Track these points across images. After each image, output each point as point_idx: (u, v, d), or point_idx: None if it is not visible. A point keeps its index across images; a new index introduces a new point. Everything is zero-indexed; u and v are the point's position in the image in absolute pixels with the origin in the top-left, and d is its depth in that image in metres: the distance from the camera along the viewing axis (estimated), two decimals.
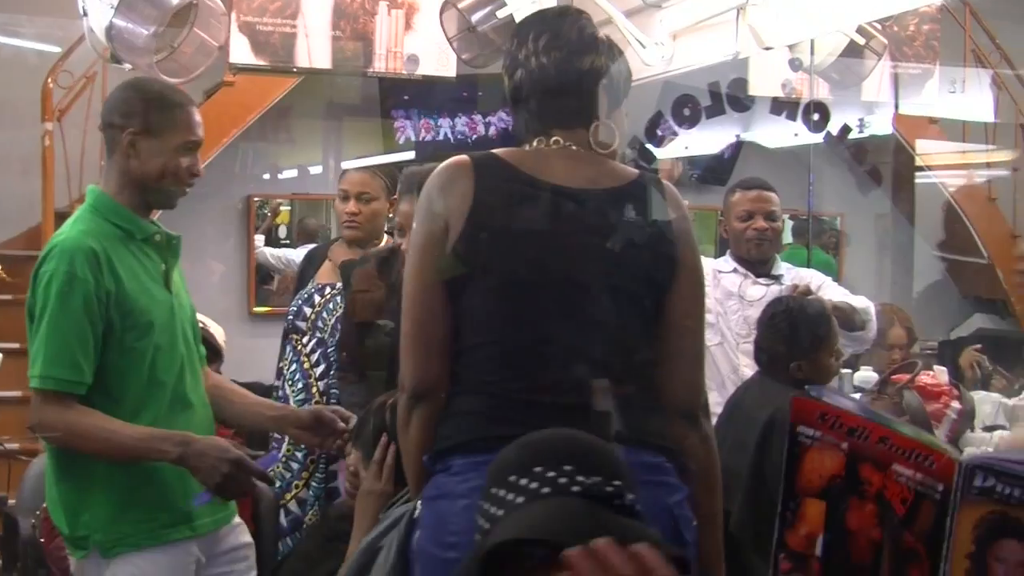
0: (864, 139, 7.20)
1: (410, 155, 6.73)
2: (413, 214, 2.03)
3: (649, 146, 7.14)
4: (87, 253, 2.35)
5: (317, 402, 3.48)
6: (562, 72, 1.97)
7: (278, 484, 3.51)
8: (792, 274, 3.70)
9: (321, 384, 3.53)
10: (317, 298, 3.60)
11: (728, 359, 3.57)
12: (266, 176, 7.16)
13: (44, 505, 2.62)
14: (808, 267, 4.09)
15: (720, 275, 3.66)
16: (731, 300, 3.63)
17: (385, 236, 3.62)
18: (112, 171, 2.49)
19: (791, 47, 3.55)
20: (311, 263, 3.80)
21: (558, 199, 1.92)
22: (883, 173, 7.54)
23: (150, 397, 2.41)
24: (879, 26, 3.69)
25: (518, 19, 3.03)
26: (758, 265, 3.67)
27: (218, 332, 3.77)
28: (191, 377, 2.52)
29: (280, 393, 3.61)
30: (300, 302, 3.64)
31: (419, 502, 1.91)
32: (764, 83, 5.82)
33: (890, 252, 7.81)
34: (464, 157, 1.97)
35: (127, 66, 3.38)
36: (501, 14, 3.32)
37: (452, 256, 1.90)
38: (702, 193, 7.21)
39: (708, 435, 2.00)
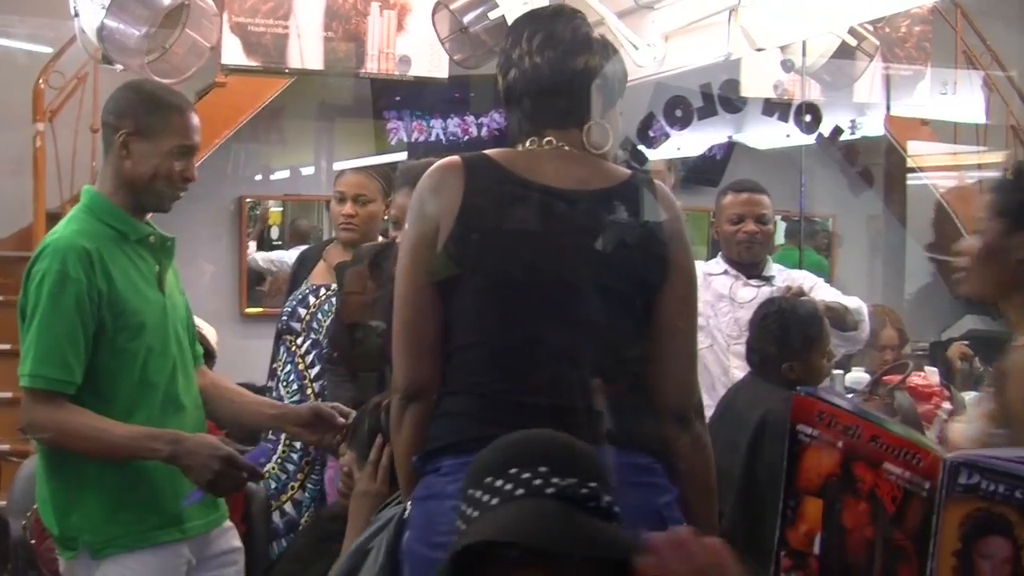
0: (856, 140, 7.21)
1: (402, 156, 6.74)
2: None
3: (641, 147, 7.14)
4: (79, 253, 2.34)
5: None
6: (555, 72, 1.97)
7: (273, 486, 3.51)
8: (783, 275, 3.71)
9: (316, 385, 3.53)
10: (312, 299, 3.60)
11: (718, 361, 3.58)
12: (258, 177, 7.15)
13: (35, 506, 2.61)
14: (800, 268, 4.10)
15: (710, 277, 3.66)
16: (722, 302, 3.63)
17: (379, 238, 3.62)
18: (107, 171, 2.50)
19: (783, 48, 3.56)
20: (304, 264, 3.80)
21: (548, 200, 1.92)
22: (875, 174, 7.55)
23: (142, 398, 2.41)
24: (871, 28, 3.70)
25: (510, 20, 3.03)
26: (749, 267, 3.67)
27: (210, 333, 3.76)
28: (183, 379, 2.51)
29: (275, 394, 3.60)
30: (294, 303, 3.63)
31: (409, 503, 1.91)
32: (756, 84, 5.83)
33: (882, 253, 7.82)
34: (455, 158, 1.97)
35: (118, 67, 3.37)
36: (493, 15, 3.32)
37: (443, 257, 1.90)
38: (694, 194, 7.21)
39: (701, 436, 1.98)
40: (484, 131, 7.02)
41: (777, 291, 3.52)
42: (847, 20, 3.36)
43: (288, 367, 3.60)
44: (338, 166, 6.74)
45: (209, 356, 3.63)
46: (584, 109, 1.99)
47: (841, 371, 4.03)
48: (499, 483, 1.44)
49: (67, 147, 5.74)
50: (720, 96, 6.93)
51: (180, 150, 2.46)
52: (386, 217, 3.46)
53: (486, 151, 1.99)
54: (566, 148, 1.98)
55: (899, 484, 1.29)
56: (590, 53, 1.99)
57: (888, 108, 6.05)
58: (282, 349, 3.65)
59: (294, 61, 4.59)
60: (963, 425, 2.18)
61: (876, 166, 7.45)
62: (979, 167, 7.30)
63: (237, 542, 2.64)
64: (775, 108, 6.66)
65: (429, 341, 1.92)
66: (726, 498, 2.73)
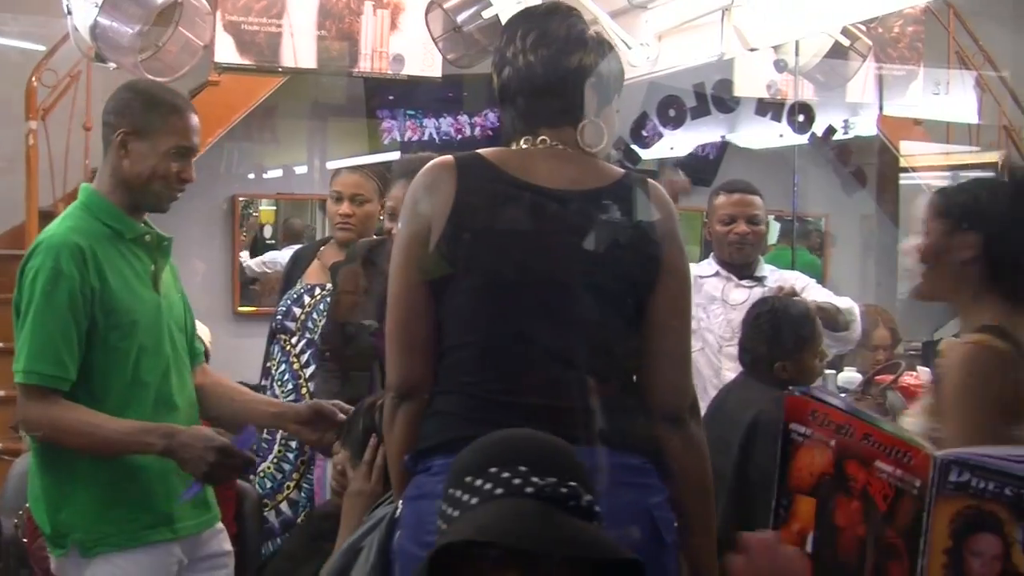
0: (849, 140, 7.23)
1: (395, 155, 6.73)
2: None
3: (634, 147, 7.16)
4: (72, 249, 2.34)
5: None
6: (549, 70, 1.95)
7: (269, 485, 3.51)
8: (775, 276, 3.71)
9: (311, 384, 3.52)
10: (307, 298, 3.59)
11: (710, 364, 3.57)
12: (251, 176, 7.15)
13: (27, 505, 2.61)
14: (793, 268, 4.10)
15: (702, 280, 3.65)
16: (714, 304, 3.63)
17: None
18: (105, 170, 2.50)
19: (776, 48, 3.56)
20: (297, 264, 3.79)
21: (540, 200, 1.91)
22: (868, 174, 7.57)
23: (133, 397, 2.40)
24: (864, 28, 3.70)
25: (504, 19, 3.03)
26: (741, 268, 3.67)
27: (204, 332, 3.75)
28: (177, 379, 2.51)
29: (269, 393, 3.60)
30: (289, 302, 3.63)
31: (401, 502, 1.91)
32: (749, 84, 5.85)
33: (874, 253, 7.83)
34: (448, 157, 1.97)
35: (112, 65, 3.37)
36: (487, 14, 3.32)
37: (435, 256, 1.89)
38: (687, 194, 7.22)
39: (695, 437, 1.97)
40: (477, 130, 7.02)
41: (769, 292, 3.52)
42: (840, 20, 3.36)
43: (283, 366, 3.60)
44: (331, 165, 6.74)
45: (203, 355, 3.63)
46: (579, 108, 1.97)
47: (833, 371, 4.03)
48: (479, 482, 1.44)
49: (60, 145, 5.73)
50: (713, 96, 6.95)
51: (178, 151, 2.46)
52: (381, 217, 3.46)
53: (479, 150, 1.99)
54: (560, 147, 1.97)
55: (891, 482, 1.30)
56: (585, 51, 1.97)
57: (881, 108, 6.07)
58: (276, 348, 3.64)
59: (287, 60, 4.60)
60: (911, 420, 2.21)
61: (869, 166, 7.47)
62: (972, 167, 7.32)
63: (228, 545, 2.64)
64: (768, 108, 6.68)
65: (422, 340, 1.92)
66: (718, 498, 2.74)
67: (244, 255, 6.86)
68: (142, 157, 2.44)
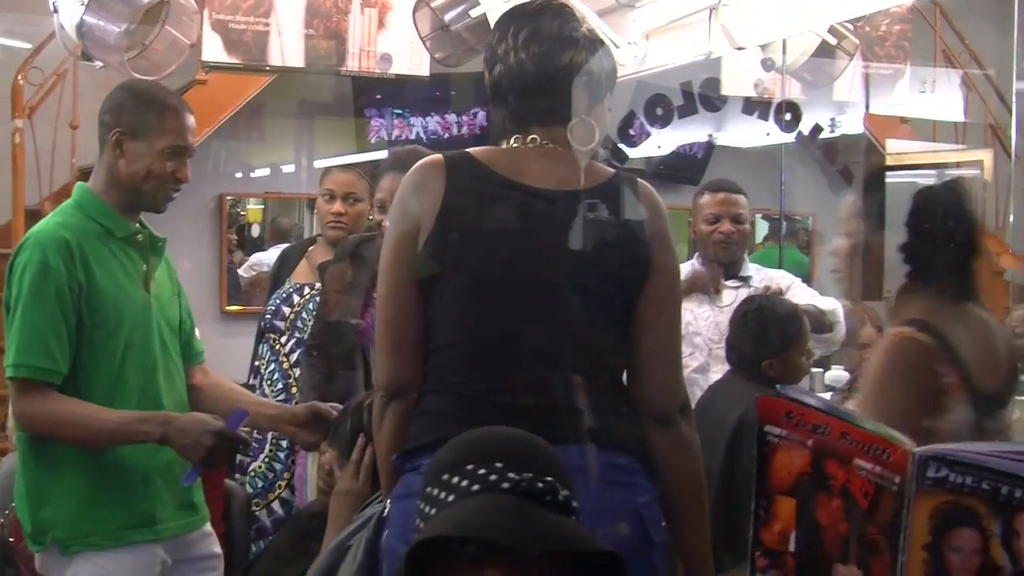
0: (835, 139, 7.25)
1: (383, 154, 6.71)
2: (395, 190, 2.02)
3: (622, 146, 7.16)
4: (60, 244, 2.35)
5: (298, 402, 3.47)
6: (540, 68, 1.94)
7: (260, 484, 3.51)
8: (761, 275, 3.71)
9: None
10: (296, 298, 3.59)
11: (699, 366, 3.57)
12: (239, 175, 7.14)
13: (13, 504, 2.60)
14: (780, 267, 4.11)
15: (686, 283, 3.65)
16: (702, 307, 3.62)
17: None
18: (101, 169, 2.51)
19: (763, 47, 3.57)
20: (285, 263, 3.78)
21: (529, 200, 1.91)
22: (854, 173, 7.59)
23: (117, 396, 2.40)
24: (851, 26, 3.71)
25: (491, 18, 3.03)
26: (726, 267, 3.68)
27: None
28: (165, 379, 2.50)
29: (258, 392, 3.59)
30: (278, 301, 3.62)
31: (389, 501, 1.91)
32: (736, 83, 5.86)
33: (861, 251, 7.85)
34: (438, 156, 1.97)
35: (98, 63, 3.36)
36: (474, 13, 3.31)
37: (423, 255, 1.89)
38: (675, 193, 7.23)
39: (686, 436, 1.96)
40: (465, 129, 7.02)
41: (755, 291, 3.53)
42: (827, 19, 3.37)
43: (272, 365, 3.59)
44: (319, 164, 6.74)
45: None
46: (569, 106, 1.95)
47: (821, 369, 4.05)
48: (455, 480, 1.44)
49: (46, 144, 5.72)
50: (701, 94, 6.96)
51: (173, 150, 2.46)
52: (371, 217, 3.46)
53: (469, 149, 1.98)
54: (550, 146, 1.96)
55: (870, 479, 1.30)
56: (576, 49, 1.95)
57: (868, 106, 6.09)
58: (265, 347, 3.64)
59: (275, 58, 4.60)
60: (851, 406, 2.25)
61: (856, 164, 7.48)
62: (958, 165, 7.34)
63: (217, 548, 2.64)
64: (755, 106, 6.70)
65: (410, 340, 1.92)
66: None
67: (242, 260, 6.85)
68: (137, 157, 2.45)
